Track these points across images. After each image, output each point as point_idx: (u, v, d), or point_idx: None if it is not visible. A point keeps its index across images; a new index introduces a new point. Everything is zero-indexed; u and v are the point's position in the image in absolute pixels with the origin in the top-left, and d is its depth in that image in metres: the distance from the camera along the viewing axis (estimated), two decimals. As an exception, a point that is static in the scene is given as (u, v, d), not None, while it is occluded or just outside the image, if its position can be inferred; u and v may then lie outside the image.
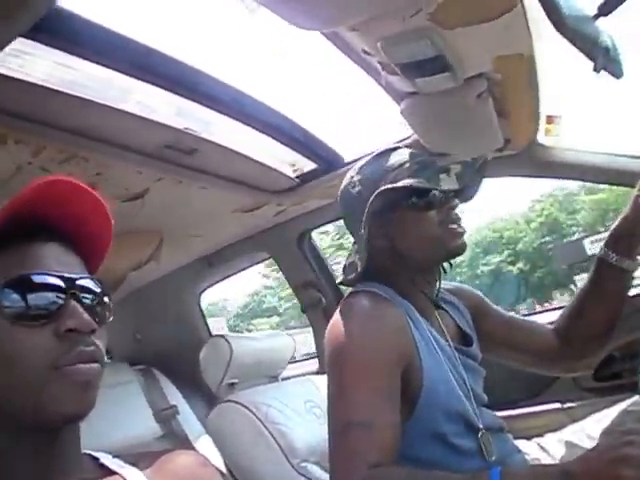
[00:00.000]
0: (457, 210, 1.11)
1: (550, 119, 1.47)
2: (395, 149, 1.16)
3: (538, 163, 1.57)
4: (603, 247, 1.16)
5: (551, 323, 1.28)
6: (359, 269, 1.08)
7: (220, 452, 1.15)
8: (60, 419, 0.56)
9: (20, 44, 0.85)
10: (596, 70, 0.89)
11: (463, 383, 1.07)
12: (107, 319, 0.63)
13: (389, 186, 1.06)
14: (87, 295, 0.60)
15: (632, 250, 1.13)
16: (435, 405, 1.00)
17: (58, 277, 0.58)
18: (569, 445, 1.23)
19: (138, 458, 0.68)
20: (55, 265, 0.59)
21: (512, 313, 1.34)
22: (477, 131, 1.36)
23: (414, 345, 1.01)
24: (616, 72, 0.97)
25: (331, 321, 1.05)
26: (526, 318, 1.35)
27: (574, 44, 0.87)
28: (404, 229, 1.10)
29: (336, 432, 0.93)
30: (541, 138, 1.54)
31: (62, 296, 0.57)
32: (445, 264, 1.17)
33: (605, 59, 0.89)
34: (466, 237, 1.12)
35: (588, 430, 1.24)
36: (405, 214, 1.09)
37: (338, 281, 1.17)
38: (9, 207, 0.57)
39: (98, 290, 0.62)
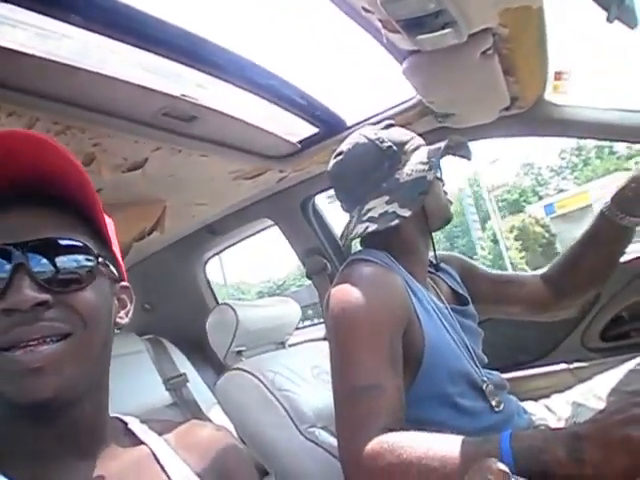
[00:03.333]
0: None
1: (558, 75, 1.42)
2: (390, 128, 1.22)
3: (546, 121, 1.53)
4: (609, 203, 1.16)
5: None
6: (396, 219, 1.08)
7: (229, 419, 1.17)
8: (31, 405, 0.52)
9: (5, 10, 0.82)
10: (609, 20, 0.85)
11: (463, 343, 1.10)
12: (85, 280, 0.56)
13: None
14: (45, 260, 0.53)
15: (636, 209, 1.14)
16: (438, 366, 1.02)
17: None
18: (576, 405, 1.24)
19: (164, 427, 0.69)
20: (5, 234, 0.53)
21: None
22: (482, 90, 1.32)
23: (413, 309, 1.03)
24: (630, 22, 0.92)
25: (331, 289, 1.05)
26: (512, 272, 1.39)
27: (585, -7, 0.83)
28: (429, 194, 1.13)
29: (342, 398, 0.93)
30: (549, 95, 1.49)
31: (7, 270, 0.52)
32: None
33: (619, 8, 0.84)
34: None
35: (595, 390, 1.24)
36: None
37: (351, 237, 1.15)
38: None
39: (65, 248, 0.55)
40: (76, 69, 0.98)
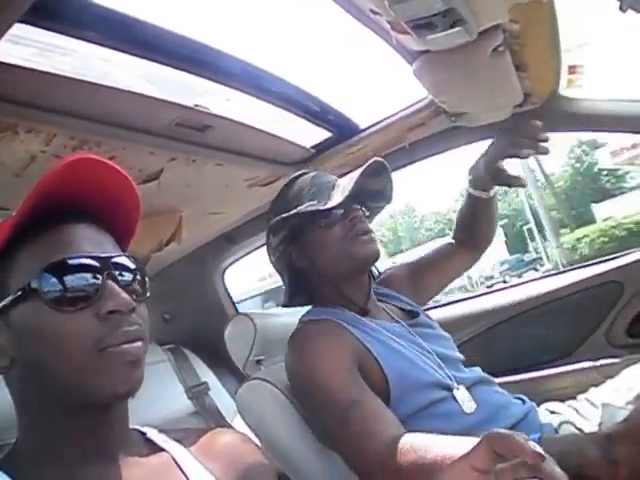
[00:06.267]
0: (362, 219, 1.21)
1: (572, 69, 1.41)
2: (299, 176, 1.30)
3: (561, 116, 1.51)
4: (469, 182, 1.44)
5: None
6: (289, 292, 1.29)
7: (249, 429, 1.17)
8: (110, 399, 0.57)
9: (19, 30, 0.83)
10: (622, 10, 0.84)
11: (425, 352, 1.16)
12: (145, 294, 0.63)
13: (276, 219, 1.24)
14: (123, 273, 0.60)
15: (485, 185, 1.40)
16: (406, 384, 1.07)
17: (93, 258, 0.58)
18: (604, 405, 1.21)
19: (183, 435, 0.70)
20: (89, 246, 0.59)
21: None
22: (495, 87, 1.31)
23: (362, 346, 1.10)
24: (644, 12, 0.91)
25: (287, 355, 1.15)
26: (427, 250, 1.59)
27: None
28: (317, 248, 1.22)
29: (334, 426, 0.99)
30: (563, 90, 1.48)
31: (98, 277, 0.57)
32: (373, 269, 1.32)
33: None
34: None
35: (628, 383, 1.21)
36: (315, 234, 1.22)
37: (282, 304, 1.34)
38: (37, 190, 0.57)
39: (133, 267, 0.62)
40: (89, 84, 0.99)
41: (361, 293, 1.26)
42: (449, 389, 1.09)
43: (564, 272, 1.92)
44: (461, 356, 1.25)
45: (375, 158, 1.21)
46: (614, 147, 17.04)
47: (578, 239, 15.70)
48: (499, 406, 1.11)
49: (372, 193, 1.29)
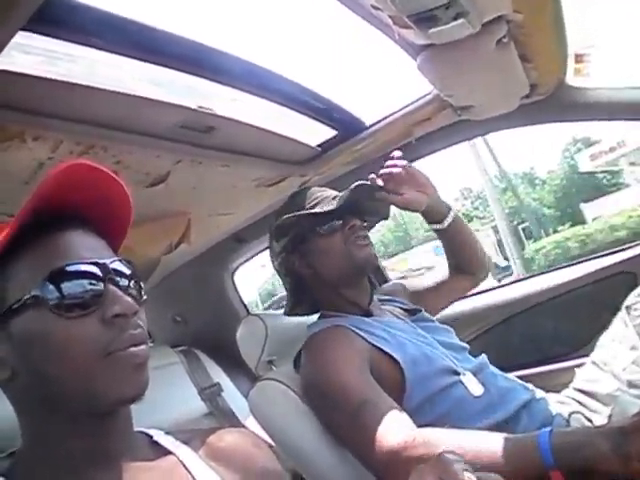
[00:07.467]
0: (361, 228, 1.31)
1: (579, 58, 1.39)
2: (302, 190, 1.40)
3: (570, 106, 1.49)
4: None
5: None
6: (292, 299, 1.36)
7: (262, 428, 1.16)
8: (116, 403, 0.58)
9: (25, 38, 0.84)
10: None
11: (431, 342, 1.23)
12: (142, 298, 0.64)
13: (278, 222, 1.35)
14: (122, 277, 0.60)
15: (434, 219, 1.43)
16: (418, 371, 1.12)
17: (92, 264, 0.58)
18: (614, 397, 1.20)
19: (190, 436, 0.70)
20: (86, 252, 0.59)
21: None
22: (500, 79, 1.30)
23: (372, 346, 1.15)
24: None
25: (302, 368, 1.19)
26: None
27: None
28: (320, 255, 1.30)
29: (348, 425, 1.02)
30: (570, 79, 1.46)
31: (100, 282, 0.57)
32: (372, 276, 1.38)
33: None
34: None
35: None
36: (317, 242, 1.30)
37: (284, 312, 1.40)
38: (33, 199, 0.57)
39: (129, 271, 0.63)
40: (93, 89, 0.99)
41: (363, 296, 1.33)
42: (457, 374, 1.16)
43: (578, 263, 1.90)
44: (465, 345, 1.32)
45: (371, 177, 1.29)
46: (593, 151, 16.99)
47: (537, 250, 15.81)
48: (506, 389, 1.16)
49: (369, 208, 1.38)
